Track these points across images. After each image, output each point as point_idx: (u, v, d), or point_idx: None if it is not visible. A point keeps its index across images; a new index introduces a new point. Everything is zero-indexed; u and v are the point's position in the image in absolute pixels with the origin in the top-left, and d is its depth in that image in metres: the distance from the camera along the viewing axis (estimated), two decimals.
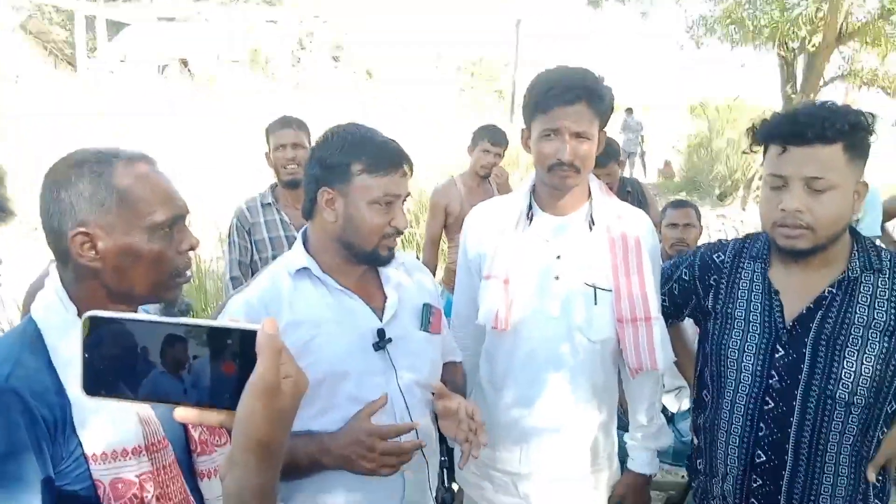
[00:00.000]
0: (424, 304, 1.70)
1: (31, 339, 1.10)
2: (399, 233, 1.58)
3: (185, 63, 17.16)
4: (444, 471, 1.73)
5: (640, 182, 4.83)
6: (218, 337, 0.69)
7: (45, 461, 1.02)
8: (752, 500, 1.68)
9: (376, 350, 1.57)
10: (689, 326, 2.06)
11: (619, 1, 14.01)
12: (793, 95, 11.97)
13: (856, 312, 1.57)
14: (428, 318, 1.69)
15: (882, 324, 1.56)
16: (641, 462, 1.98)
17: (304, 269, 1.58)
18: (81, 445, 1.06)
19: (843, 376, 1.56)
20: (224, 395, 0.69)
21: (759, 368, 1.64)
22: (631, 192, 4.23)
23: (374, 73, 21.88)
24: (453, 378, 1.79)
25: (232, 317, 1.51)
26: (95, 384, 0.70)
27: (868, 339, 1.55)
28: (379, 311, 1.62)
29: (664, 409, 2.93)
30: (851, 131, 1.50)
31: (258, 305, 1.52)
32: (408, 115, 14.78)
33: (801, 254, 1.58)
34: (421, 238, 5.93)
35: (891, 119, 11.18)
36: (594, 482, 1.94)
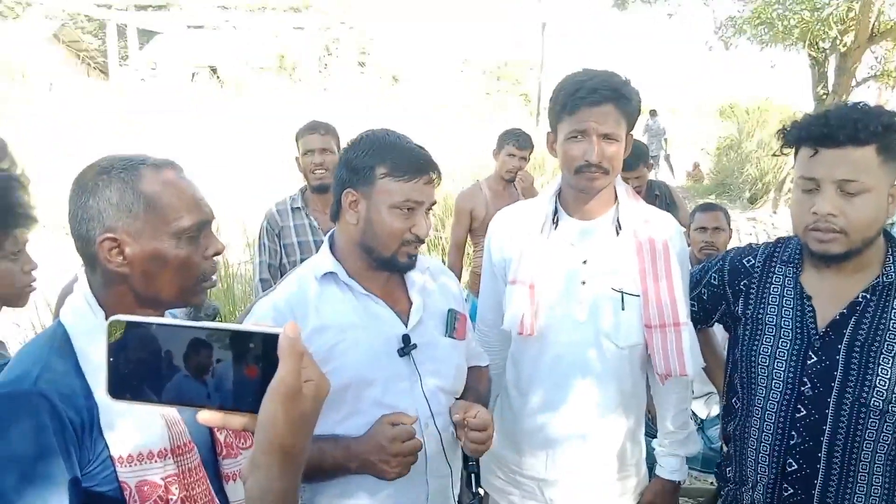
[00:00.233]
0: (449, 310, 1.69)
1: (60, 342, 1.12)
2: (420, 241, 1.56)
3: (214, 70, 17.43)
4: (472, 476, 1.72)
5: (669, 185, 4.77)
6: (240, 341, 0.69)
7: (73, 463, 1.04)
8: None
9: (401, 356, 1.57)
10: (718, 332, 2.03)
11: (646, 2, 13.90)
12: (824, 96, 11.75)
13: (891, 318, 1.53)
14: (453, 324, 1.69)
15: None
16: (670, 468, 1.95)
17: (331, 273, 1.58)
18: (108, 448, 1.08)
19: (877, 383, 1.52)
20: (247, 398, 0.69)
21: (790, 375, 1.61)
22: (659, 196, 4.18)
23: (400, 77, 22.00)
24: (476, 385, 1.78)
25: (258, 320, 1.52)
26: (120, 387, 0.70)
27: None
28: (404, 316, 1.61)
29: (693, 416, 2.89)
30: (885, 132, 1.46)
31: (285, 309, 1.53)
32: (434, 119, 14.82)
33: (835, 258, 1.54)
34: (446, 242, 5.93)
35: None
36: (621, 489, 1.91)
